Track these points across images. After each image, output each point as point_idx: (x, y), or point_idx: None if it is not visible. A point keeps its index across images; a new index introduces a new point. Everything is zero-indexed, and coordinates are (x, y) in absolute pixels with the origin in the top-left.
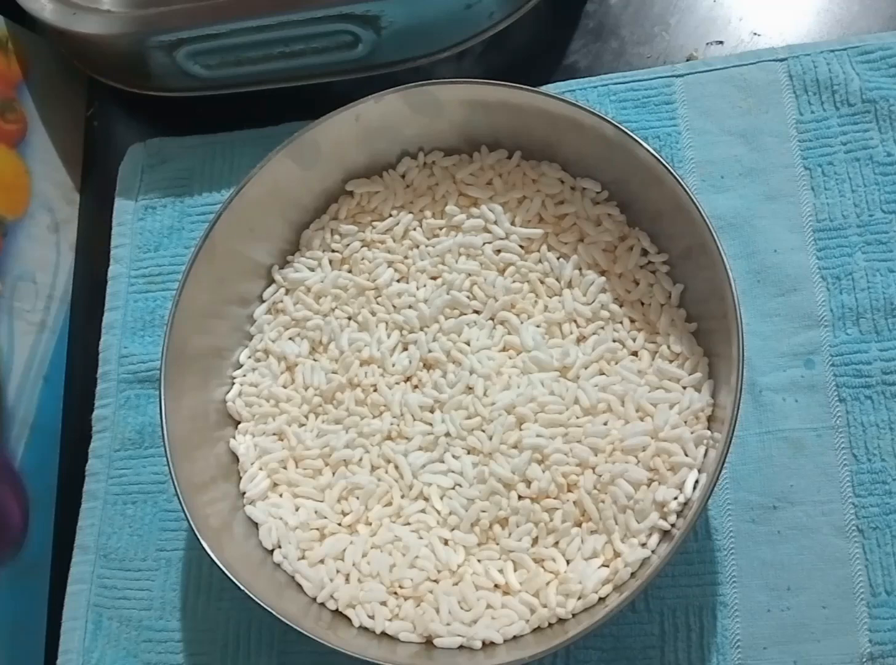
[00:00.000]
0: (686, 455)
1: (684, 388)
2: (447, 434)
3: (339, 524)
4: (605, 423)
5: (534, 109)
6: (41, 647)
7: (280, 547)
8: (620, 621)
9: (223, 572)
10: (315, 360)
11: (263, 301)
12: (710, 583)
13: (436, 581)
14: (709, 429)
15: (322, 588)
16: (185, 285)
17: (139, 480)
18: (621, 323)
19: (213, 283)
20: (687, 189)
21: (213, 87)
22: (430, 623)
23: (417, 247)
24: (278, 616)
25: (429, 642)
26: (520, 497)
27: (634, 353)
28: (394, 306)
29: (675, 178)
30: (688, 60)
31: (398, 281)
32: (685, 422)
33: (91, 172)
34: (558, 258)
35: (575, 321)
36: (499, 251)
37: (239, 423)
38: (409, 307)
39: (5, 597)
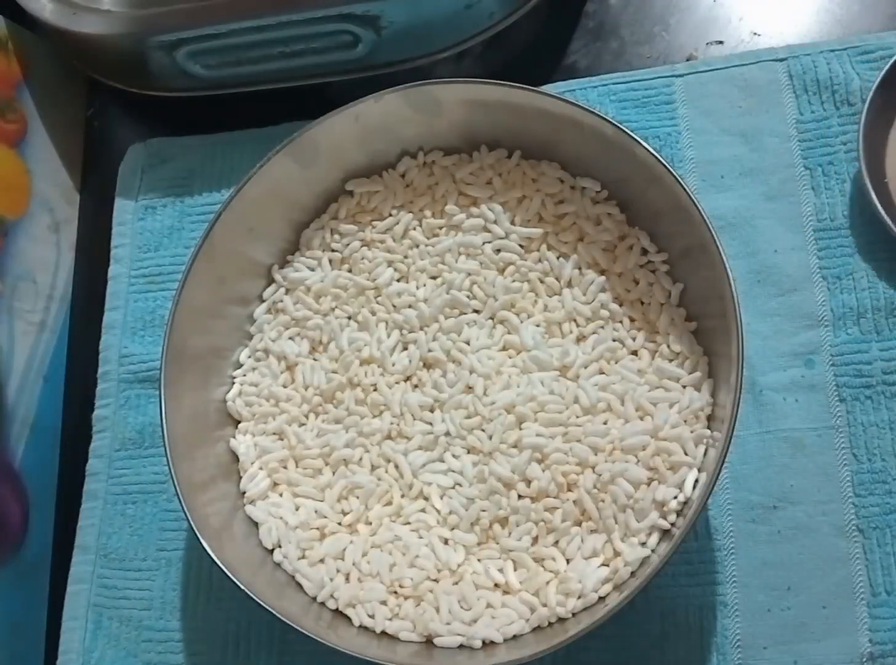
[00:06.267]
0: (686, 454)
1: (684, 387)
2: (447, 433)
3: (340, 523)
4: (605, 423)
5: (533, 109)
6: (41, 647)
7: (280, 546)
8: (620, 621)
9: (223, 572)
10: (315, 359)
11: (263, 301)
12: (710, 582)
13: (436, 580)
14: (709, 428)
15: (322, 587)
16: (185, 285)
17: (139, 480)
18: (621, 322)
19: (213, 282)
20: (686, 188)
21: (213, 87)
22: (430, 622)
23: (417, 246)
24: (278, 615)
25: (429, 642)
26: (520, 496)
27: (634, 353)
28: (394, 306)
29: (674, 177)
30: (688, 60)
31: (398, 280)
32: (685, 421)
33: (91, 172)
34: (558, 257)
35: (575, 320)
36: (498, 250)
37: (239, 422)
38: (409, 307)
39: (5, 597)
